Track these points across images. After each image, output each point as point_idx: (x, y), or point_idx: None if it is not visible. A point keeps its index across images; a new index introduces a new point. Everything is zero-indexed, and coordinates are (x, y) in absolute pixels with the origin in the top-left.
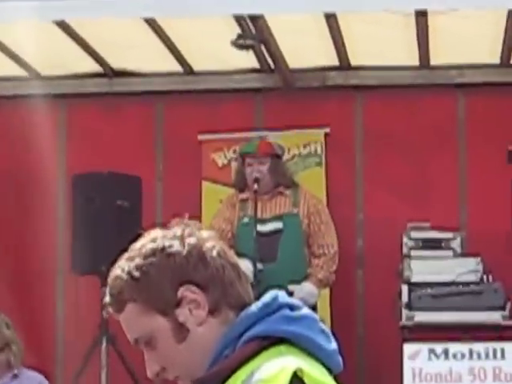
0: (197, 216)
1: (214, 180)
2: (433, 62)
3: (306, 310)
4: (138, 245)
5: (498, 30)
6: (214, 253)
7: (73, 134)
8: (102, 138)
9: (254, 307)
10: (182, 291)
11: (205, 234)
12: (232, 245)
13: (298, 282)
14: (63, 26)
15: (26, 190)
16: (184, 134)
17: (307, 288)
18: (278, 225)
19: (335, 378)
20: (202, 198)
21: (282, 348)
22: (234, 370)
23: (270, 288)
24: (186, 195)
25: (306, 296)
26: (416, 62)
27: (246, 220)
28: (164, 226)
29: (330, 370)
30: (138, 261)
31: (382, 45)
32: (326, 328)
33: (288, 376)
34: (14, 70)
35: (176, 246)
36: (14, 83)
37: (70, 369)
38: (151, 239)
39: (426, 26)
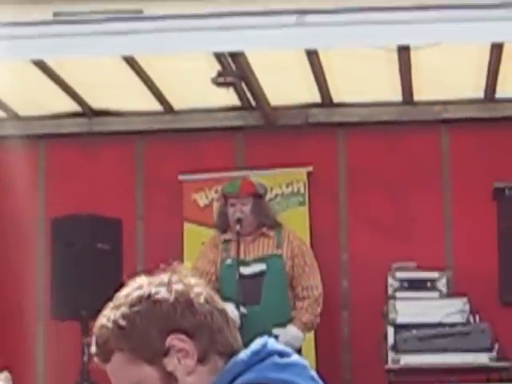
0: (178, 258)
1: (195, 221)
2: (416, 98)
3: (295, 357)
4: (123, 292)
5: (481, 65)
6: (202, 299)
7: (52, 174)
8: (81, 179)
9: (243, 354)
10: (170, 340)
11: (192, 280)
12: (216, 287)
13: (283, 324)
14: (41, 65)
15: (4, 233)
16: (165, 174)
17: (292, 332)
18: (262, 266)
19: None
20: (183, 240)
21: None
22: None
23: (254, 332)
24: (168, 236)
25: (291, 340)
26: (399, 98)
27: (228, 262)
28: (148, 271)
29: None
30: (123, 309)
31: (364, 81)
32: (315, 374)
33: None
34: None
35: (163, 292)
36: None
37: None
38: (137, 287)
39: (409, 61)
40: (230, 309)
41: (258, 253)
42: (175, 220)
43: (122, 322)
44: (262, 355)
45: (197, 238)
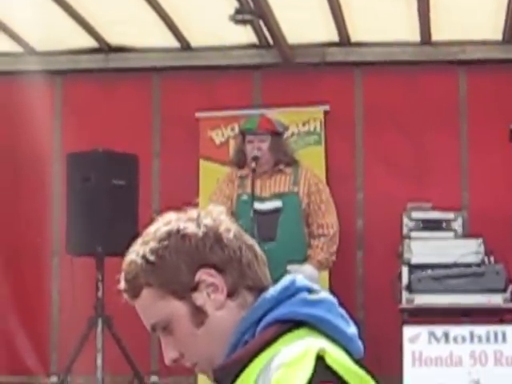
0: (194, 195)
1: (211, 158)
2: (434, 38)
3: (324, 294)
4: (152, 228)
5: (500, 6)
6: (231, 234)
7: (68, 110)
8: (97, 115)
9: (273, 290)
10: (200, 274)
11: (222, 216)
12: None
13: (297, 261)
14: (59, 1)
15: (21, 168)
16: (181, 111)
17: (308, 270)
18: (278, 203)
19: (357, 363)
20: (199, 177)
21: (302, 332)
22: (254, 356)
23: (268, 268)
24: (183, 173)
25: (307, 279)
26: (417, 38)
27: (244, 197)
28: (177, 208)
29: (350, 355)
30: (152, 244)
31: (382, 20)
32: (344, 312)
33: (312, 358)
34: (9, 45)
35: (191, 227)
36: (8, 59)
37: (66, 351)
38: (165, 222)
39: (428, 1)
40: None
41: (275, 189)
42: (191, 157)
43: (151, 257)
44: (292, 291)
45: (212, 175)
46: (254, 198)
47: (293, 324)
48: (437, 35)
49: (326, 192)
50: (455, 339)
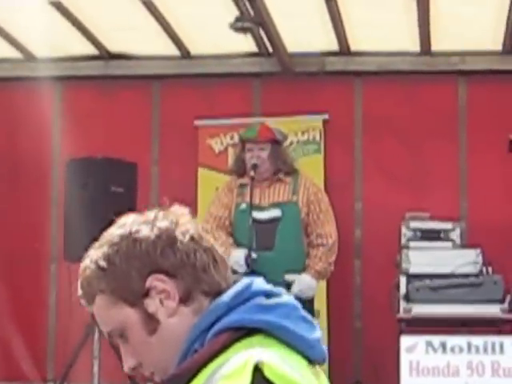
0: (193, 203)
1: (210, 166)
2: (434, 48)
3: (284, 298)
4: (109, 231)
5: (500, 16)
6: (187, 237)
7: (67, 117)
8: (96, 122)
9: (226, 296)
10: (151, 281)
11: (182, 218)
12: (230, 232)
13: (296, 271)
14: (59, 7)
15: (20, 174)
16: (180, 119)
17: (306, 280)
18: (277, 212)
19: (329, 371)
20: (197, 185)
21: (254, 339)
22: (202, 366)
23: (266, 278)
24: (182, 181)
25: (305, 288)
26: (417, 48)
27: (243, 206)
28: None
29: (311, 361)
30: (104, 249)
31: (382, 29)
32: (308, 316)
33: (249, 371)
34: (9, 51)
35: (144, 231)
36: (8, 65)
37: (62, 358)
38: (121, 225)
39: (428, 10)
40: (237, 254)
41: (274, 198)
42: (190, 165)
43: (102, 263)
44: (246, 296)
45: (211, 183)
46: (252, 206)
47: (246, 331)
48: (437, 45)
49: (325, 201)
50: (452, 349)
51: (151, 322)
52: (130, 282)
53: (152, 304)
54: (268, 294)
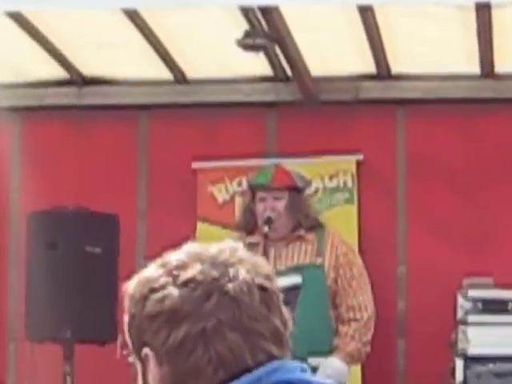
0: None
1: (211, 220)
2: (498, 70)
3: None
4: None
5: None
6: None
7: (30, 157)
8: (67, 165)
9: (243, 378)
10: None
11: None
12: None
13: (322, 353)
14: (19, 19)
15: None
16: (174, 161)
17: (335, 364)
18: (296, 279)
19: None
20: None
21: None
22: None
23: None
24: (176, 239)
25: (334, 374)
26: (476, 70)
27: None
28: None
29: None
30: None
31: (431, 47)
32: None
33: None
34: None
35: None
36: None
37: None
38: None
39: (490, 23)
40: None
41: (293, 261)
42: (186, 218)
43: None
44: None
45: (212, 240)
46: None
47: None
48: (501, 66)
49: (358, 264)
50: None
51: None
52: None
53: None
54: None
